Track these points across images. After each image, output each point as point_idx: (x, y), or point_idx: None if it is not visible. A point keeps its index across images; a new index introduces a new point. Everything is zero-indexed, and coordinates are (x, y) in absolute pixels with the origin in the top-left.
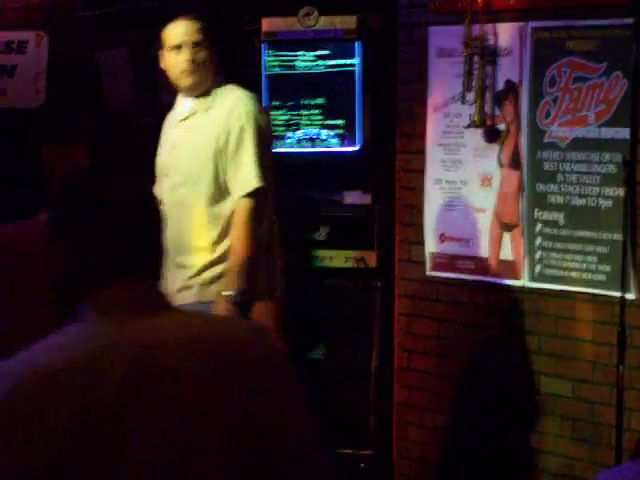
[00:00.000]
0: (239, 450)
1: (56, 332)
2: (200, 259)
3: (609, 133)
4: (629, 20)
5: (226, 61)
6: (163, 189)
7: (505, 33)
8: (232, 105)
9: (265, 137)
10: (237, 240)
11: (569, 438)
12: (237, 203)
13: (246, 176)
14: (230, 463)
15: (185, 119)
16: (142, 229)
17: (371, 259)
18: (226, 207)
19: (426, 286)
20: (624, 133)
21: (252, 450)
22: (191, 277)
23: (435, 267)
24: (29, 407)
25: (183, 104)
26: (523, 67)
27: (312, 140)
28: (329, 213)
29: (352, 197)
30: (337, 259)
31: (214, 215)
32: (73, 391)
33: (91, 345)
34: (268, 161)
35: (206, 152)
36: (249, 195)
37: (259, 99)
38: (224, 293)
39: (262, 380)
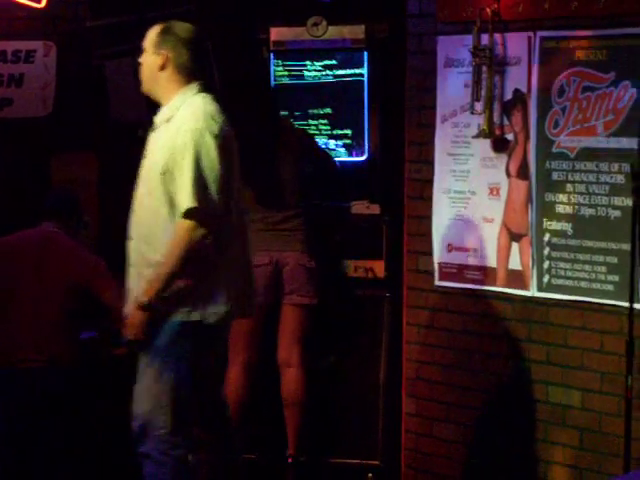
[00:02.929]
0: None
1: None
2: None
3: (617, 143)
4: (637, 30)
5: (228, 70)
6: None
7: (514, 43)
8: (183, 120)
9: (212, 156)
10: (166, 256)
11: (577, 448)
12: (177, 222)
13: (182, 196)
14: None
15: (155, 130)
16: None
17: (380, 269)
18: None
19: (434, 296)
20: (632, 143)
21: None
22: None
23: (443, 277)
24: None
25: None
26: (532, 77)
27: None
28: (337, 223)
29: (360, 207)
30: (346, 269)
31: (168, 229)
32: None
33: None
34: (219, 180)
35: (158, 166)
36: (185, 215)
37: (222, 111)
38: (138, 298)
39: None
